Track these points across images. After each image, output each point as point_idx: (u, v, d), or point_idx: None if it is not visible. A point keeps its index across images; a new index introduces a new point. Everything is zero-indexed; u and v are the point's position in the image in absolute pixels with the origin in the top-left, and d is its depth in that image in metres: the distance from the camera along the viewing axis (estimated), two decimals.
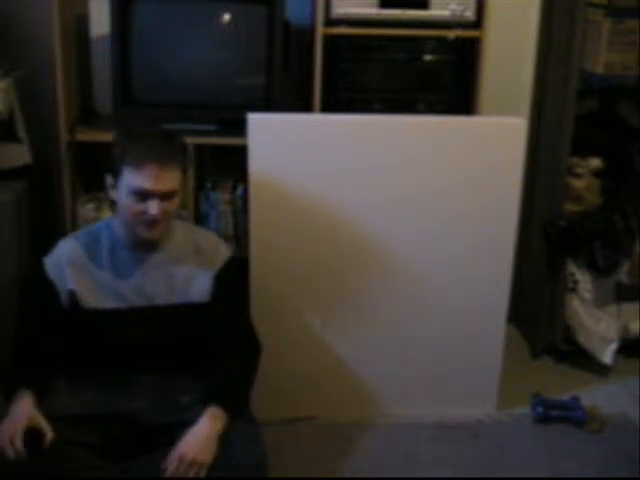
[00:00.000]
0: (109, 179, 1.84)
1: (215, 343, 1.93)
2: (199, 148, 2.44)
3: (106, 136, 2.38)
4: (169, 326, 1.90)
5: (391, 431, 2.35)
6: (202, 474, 1.69)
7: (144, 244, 1.88)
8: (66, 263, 1.88)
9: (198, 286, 1.92)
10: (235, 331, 1.97)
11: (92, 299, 1.86)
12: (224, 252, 1.99)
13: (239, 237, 2.52)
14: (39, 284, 1.89)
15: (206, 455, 1.71)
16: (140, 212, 1.78)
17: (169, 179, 1.78)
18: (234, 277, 2.01)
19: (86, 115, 2.60)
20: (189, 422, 1.77)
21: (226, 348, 1.93)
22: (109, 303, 1.87)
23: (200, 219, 2.51)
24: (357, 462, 2.20)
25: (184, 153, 1.86)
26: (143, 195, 1.76)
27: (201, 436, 1.74)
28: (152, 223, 1.80)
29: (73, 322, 1.88)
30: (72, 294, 1.86)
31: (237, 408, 1.84)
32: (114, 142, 1.84)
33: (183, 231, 1.97)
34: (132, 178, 1.76)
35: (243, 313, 2.06)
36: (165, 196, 1.78)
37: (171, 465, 1.70)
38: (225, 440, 1.76)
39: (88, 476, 1.71)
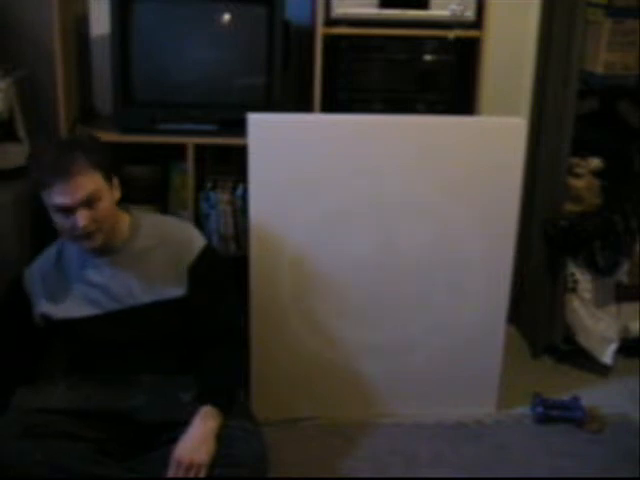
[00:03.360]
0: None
1: (198, 337, 1.91)
2: (199, 148, 2.44)
3: (106, 136, 2.39)
4: (150, 325, 1.89)
5: (391, 431, 2.35)
6: (202, 474, 1.70)
7: (104, 250, 1.87)
8: (39, 278, 1.91)
9: (172, 281, 1.89)
10: (216, 323, 1.92)
11: (66, 309, 1.87)
12: (198, 243, 1.94)
13: (239, 237, 2.52)
14: (13, 294, 1.93)
15: (203, 455, 1.71)
16: (72, 227, 1.77)
17: (80, 187, 1.74)
18: (212, 268, 1.95)
19: (86, 115, 2.60)
20: (190, 420, 1.78)
21: (209, 343, 1.90)
22: (83, 311, 1.87)
23: (200, 219, 2.50)
24: (357, 462, 2.20)
25: (91, 153, 1.79)
26: (65, 211, 1.75)
27: (196, 438, 1.74)
28: (87, 234, 1.79)
29: (51, 332, 1.91)
30: (43, 312, 1.89)
31: (228, 403, 1.83)
32: (28, 171, 1.83)
33: (151, 225, 1.94)
34: (49, 199, 1.76)
35: (225, 304, 1.96)
36: (87, 203, 1.76)
37: (170, 470, 1.71)
38: (225, 438, 1.76)
39: (88, 471, 1.71)
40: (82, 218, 1.74)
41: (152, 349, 1.89)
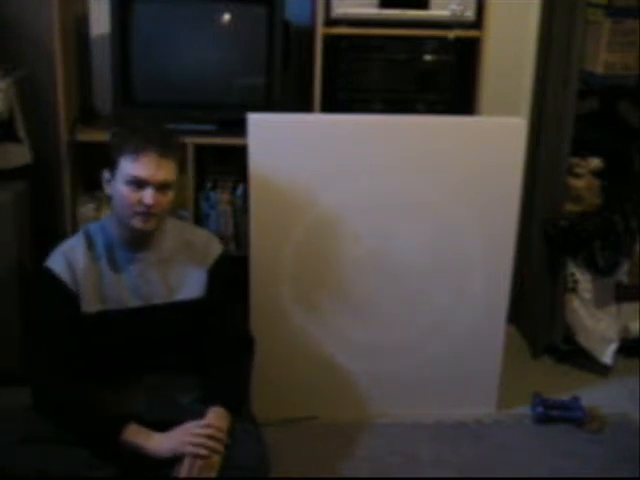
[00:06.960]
0: (106, 174, 1.85)
1: (211, 340, 1.93)
2: (199, 148, 2.44)
3: (106, 136, 2.39)
4: (167, 325, 1.90)
5: (391, 431, 2.35)
6: (214, 471, 1.69)
7: (138, 242, 1.88)
8: (77, 268, 1.85)
9: (192, 283, 1.93)
10: (230, 327, 1.97)
11: (94, 303, 1.86)
12: (216, 248, 2.00)
13: (239, 237, 2.52)
14: (55, 291, 1.84)
15: (223, 438, 1.73)
16: (135, 202, 1.78)
17: (166, 169, 1.79)
18: (227, 273, 2.01)
19: (86, 115, 2.60)
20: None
21: (222, 345, 1.92)
22: (108, 305, 1.87)
23: (200, 219, 2.51)
24: (357, 462, 2.20)
25: (180, 149, 1.89)
26: (139, 184, 1.77)
27: (219, 418, 1.76)
28: (147, 213, 1.80)
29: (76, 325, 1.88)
30: (78, 299, 1.85)
31: (237, 407, 1.85)
32: (112, 134, 1.86)
33: (174, 229, 1.97)
34: (130, 167, 1.77)
35: (236, 308, 2.06)
36: (161, 187, 1.79)
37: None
38: (227, 440, 1.76)
39: (87, 476, 1.70)
40: (151, 197, 1.77)
41: (161, 348, 1.90)
